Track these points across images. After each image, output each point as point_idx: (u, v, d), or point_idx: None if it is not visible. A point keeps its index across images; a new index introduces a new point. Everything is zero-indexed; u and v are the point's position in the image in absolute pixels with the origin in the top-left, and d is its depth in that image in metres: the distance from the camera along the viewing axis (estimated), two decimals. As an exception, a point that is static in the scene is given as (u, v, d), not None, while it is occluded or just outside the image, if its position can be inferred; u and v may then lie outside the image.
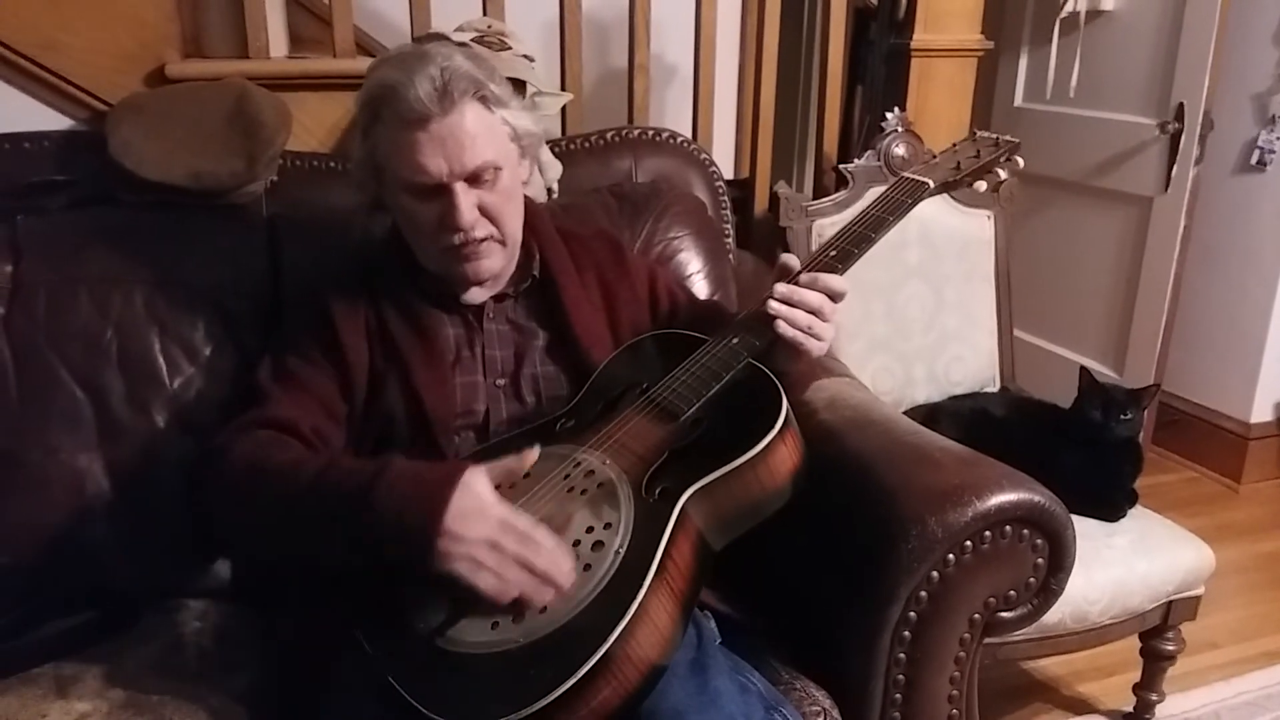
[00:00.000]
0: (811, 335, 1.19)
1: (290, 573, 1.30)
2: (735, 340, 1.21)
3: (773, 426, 1.11)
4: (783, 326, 1.18)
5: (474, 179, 1.23)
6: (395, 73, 1.21)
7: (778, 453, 1.12)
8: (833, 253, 1.27)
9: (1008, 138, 1.46)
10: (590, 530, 1.04)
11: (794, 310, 1.19)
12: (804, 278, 1.22)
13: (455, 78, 1.20)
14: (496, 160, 1.24)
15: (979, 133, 1.49)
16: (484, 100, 1.24)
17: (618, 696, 0.93)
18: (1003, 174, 1.43)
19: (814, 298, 1.20)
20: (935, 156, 1.47)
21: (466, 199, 1.22)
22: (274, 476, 1.10)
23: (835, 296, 1.21)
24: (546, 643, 0.95)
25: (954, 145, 1.49)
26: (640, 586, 0.97)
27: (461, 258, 1.27)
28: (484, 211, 1.25)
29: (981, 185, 1.45)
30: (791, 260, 1.26)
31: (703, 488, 1.08)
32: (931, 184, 1.37)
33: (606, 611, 0.95)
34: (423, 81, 1.18)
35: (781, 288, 1.20)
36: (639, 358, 1.30)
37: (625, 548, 1.01)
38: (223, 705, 1.18)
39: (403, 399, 1.27)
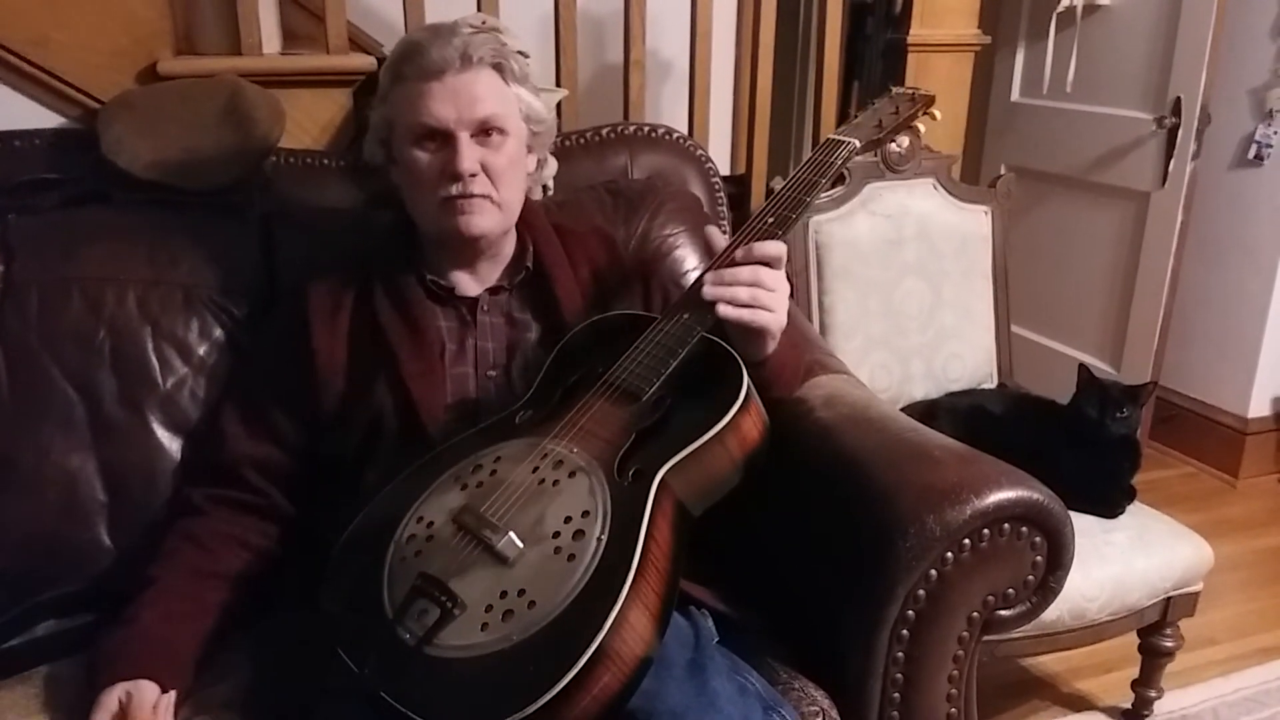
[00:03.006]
0: (759, 308, 1.17)
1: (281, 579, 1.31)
2: (686, 316, 1.19)
3: (736, 398, 1.12)
4: (724, 309, 1.16)
5: (480, 136, 1.26)
6: (422, 35, 1.30)
7: (743, 423, 1.13)
8: (770, 219, 1.26)
9: (923, 91, 1.48)
10: (569, 520, 1.03)
11: (731, 289, 1.17)
12: (738, 253, 1.20)
13: (477, 44, 1.27)
14: (504, 119, 1.28)
15: (895, 89, 1.50)
16: (501, 70, 1.29)
17: (617, 682, 0.93)
18: (922, 128, 1.44)
19: (746, 271, 1.18)
20: (856, 116, 1.47)
21: (469, 149, 1.25)
22: (148, 575, 1.24)
23: (772, 262, 1.19)
24: (540, 638, 0.94)
25: (873, 102, 1.49)
26: (628, 571, 0.96)
27: (456, 209, 1.27)
28: (485, 169, 1.27)
29: (905, 141, 1.46)
30: (716, 236, 1.25)
31: (675, 465, 1.08)
32: (857, 143, 1.38)
33: (597, 600, 0.95)
34: (447, 45, 1.25)
35: (710, 274, 1.19)
36: (591, 341, 1.29)
37: (607, 534, 1.01)
38: (213, 711, 1.16)
39: (391, 391, 1.28)
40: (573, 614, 0.95)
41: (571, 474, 1.08)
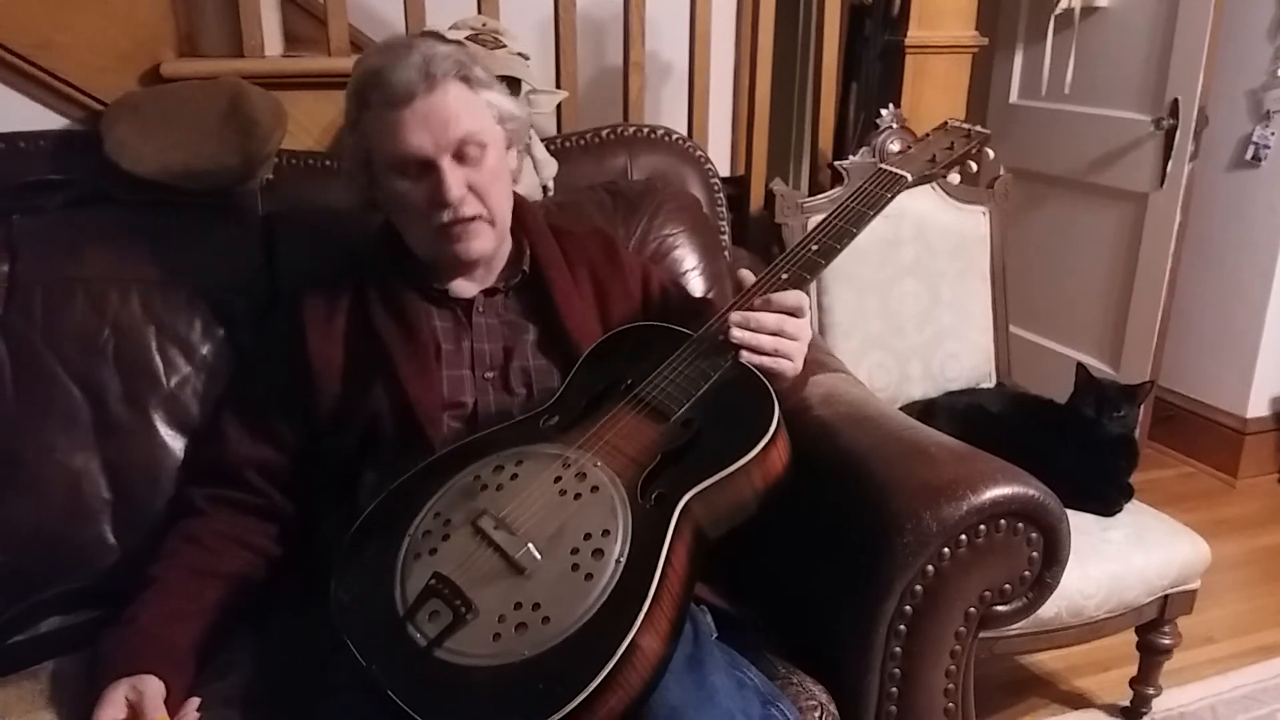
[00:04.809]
0: (780, 356, 1.19)
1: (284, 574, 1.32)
2: (722, 337, 1.19)
3: (767, 429, 1.11)
4: (747, 356, 1.17)
5: (460, 156, 1.25)
6: (380, 59, 1.25)
7: (771, 454, 1.12)
8: (815, 247, 1.27)
9: (979, 128, 1.47)
10: (588, 537, 1.03)
11: (756, 336, 1.18)
12: (758, 300, 1.21)
13: (438, 59, 1.24)
14: (481, 134, 1.26)
15: (950, 122, 1.50)
16: (467, 80, 1.26)
17: (622, 705, 0.94)
18: (974, 166, 1.44)
19: (771, 319, 1.19)
20: (910, 148, 1.47)
21: (454, 175, 1.24)
22: (149, 575, 1.23)
23: (795, 313, 1.20)
24: (552, 655, 0.94)
25: (927, 135, 1.49)
26: (644, 598, 0.96)
27: (452, 237, 1.27)
28: (472, 189, 1.26)
29: (955, 177, 1.46)
30: (748, 277, 1.24)
31: (699, 493, 1.07)
32: (910, 177, 1.37)
33: (612, 625, 0.95)
34: (406, 66, 1.22)
35: (736, 315, 1.19)
36: (620, 352, 1.28)
37: (625, 557, 1.00)
38: (214, 708, 1.16)
39: (387, 393, 1.28)
40: (586, 637, 0.95)
41: (594, 489, 1.08)
